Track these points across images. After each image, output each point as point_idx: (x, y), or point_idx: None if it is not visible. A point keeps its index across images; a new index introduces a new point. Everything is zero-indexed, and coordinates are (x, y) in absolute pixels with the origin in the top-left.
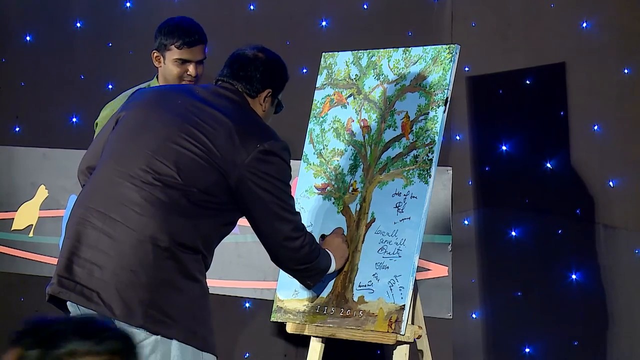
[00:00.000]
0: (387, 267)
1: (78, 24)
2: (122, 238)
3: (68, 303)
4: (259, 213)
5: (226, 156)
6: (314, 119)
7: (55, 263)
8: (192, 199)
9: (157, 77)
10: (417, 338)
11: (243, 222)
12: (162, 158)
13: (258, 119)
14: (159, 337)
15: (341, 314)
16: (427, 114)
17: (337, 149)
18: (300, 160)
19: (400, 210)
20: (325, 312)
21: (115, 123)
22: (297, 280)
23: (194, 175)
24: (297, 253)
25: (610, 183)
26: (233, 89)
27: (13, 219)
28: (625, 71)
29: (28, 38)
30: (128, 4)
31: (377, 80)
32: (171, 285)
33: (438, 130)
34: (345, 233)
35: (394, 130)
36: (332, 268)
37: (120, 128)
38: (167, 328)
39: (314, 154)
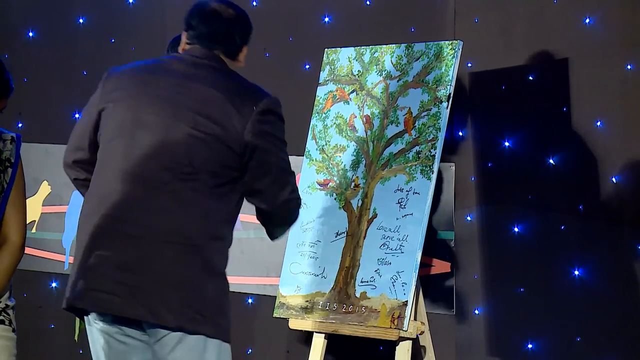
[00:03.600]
0: (390, 263)
1: (81, 20)
2: (148, 241)
3: (95, 313)
4: (263, 175)
5: (228, 128)
6: (316, 115)
7: (58, 259)
8: (210, 184)
9: None
10: (419, 334)
11: (245, 218)
12: (171, 153)
13: (242, 80)
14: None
15: (343, 310)
16: (430, 110)
17: (340, 145)
18: (303, 156)
19: (403, 206)
20: (327, 308)
21: (99, 116)
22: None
23: (206, 159)
24: (293, 215)
25: (613, 179)
26: (210, 54)
27: None
28: (628, 67)
29: (31, 34)
30: (131, 0)
31: (380, 76)
32: (199, 281)
33: (441, 127)
34: (347, 229)
35: (397, 126)
36: None
37: (112, 127)
38: (199, 324)
39: (317, 150)
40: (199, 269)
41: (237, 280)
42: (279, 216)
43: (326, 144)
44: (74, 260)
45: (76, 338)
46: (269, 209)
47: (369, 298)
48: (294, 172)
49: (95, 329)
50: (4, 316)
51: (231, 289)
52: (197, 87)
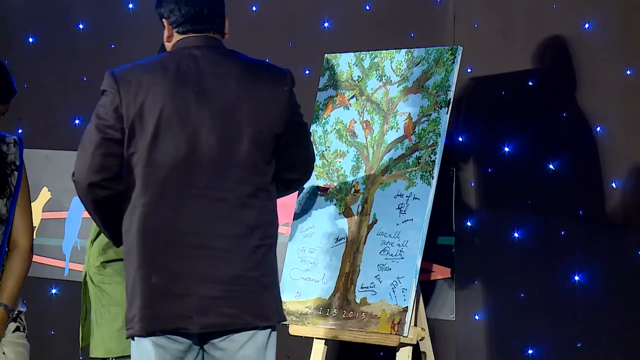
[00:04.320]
0: (390, 269)
1: (80, 26)
2: (237, 252)
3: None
4: (302, 146)
5: (272, 116)
6: (316, 120)
7: (58, 265)
8: (270, 179)
9: None
10: (420, 340)
11: None
12: (237, 162)
13: (256, 62)
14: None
15: (344, 316)
16: (430, 115)
17: (340, 151)
18: None
19: (403, 212)
20: (327, 314)
21: (125, 130)
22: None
23: (266, 155)
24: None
25: (613, 184)
26: (210, 40)
27: None
28: (628, 72)
29: (31, 39)
30: (130, 5)
31: (380, 81)
32: (277, 273)
33: (441, 132)
34: (347, 234)
35: (397, 131)
36: None
37: (160, 141)
38: (282, 314)
39: (317, 155)
40: (275, 263)
41: None
42: (307, 178)
43: (326, 150)
44: (142, 280)
45: (80, 351)
46: (302, 176)
47: (369, 304)
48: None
49: (150, 345)
50: (19, 322)
51: None
52: (231, 84)
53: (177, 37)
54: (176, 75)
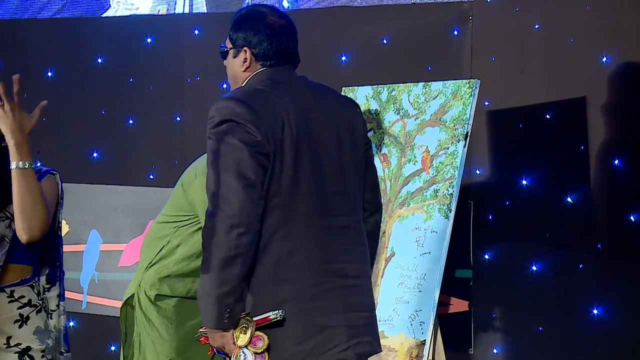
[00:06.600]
0: (408, 302)
1: (99, 60)
2: (363, 280)
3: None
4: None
5: (361, 145)
6: None
7: (75, 298)
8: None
9: None
10: None
11: None
12: (351, 194)
13: (334, 90)
14: None
15: None
16: (447, 148)
17: None
18: None
19: (421, 245)
20: None
21: (274, 155)
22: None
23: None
24: None
25: (632, 217)
26: (294, 73)
27: None
28: None
29: (49, 74)
30: (149, 40)
31: (397, 114)
32: None
33: (458, 165)
34: None
35: (414, 164)
36: None
37: (297, 172)
38: None
39: None
40: None
41: None
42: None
43: None
44: (295, 315)
45: None
46: (374, 210)
47: (387, 337)
48: None
49: None
50: (27, 358)
51: None
52: (333, 115)
53: (257, 66)
54: (296, 104)
